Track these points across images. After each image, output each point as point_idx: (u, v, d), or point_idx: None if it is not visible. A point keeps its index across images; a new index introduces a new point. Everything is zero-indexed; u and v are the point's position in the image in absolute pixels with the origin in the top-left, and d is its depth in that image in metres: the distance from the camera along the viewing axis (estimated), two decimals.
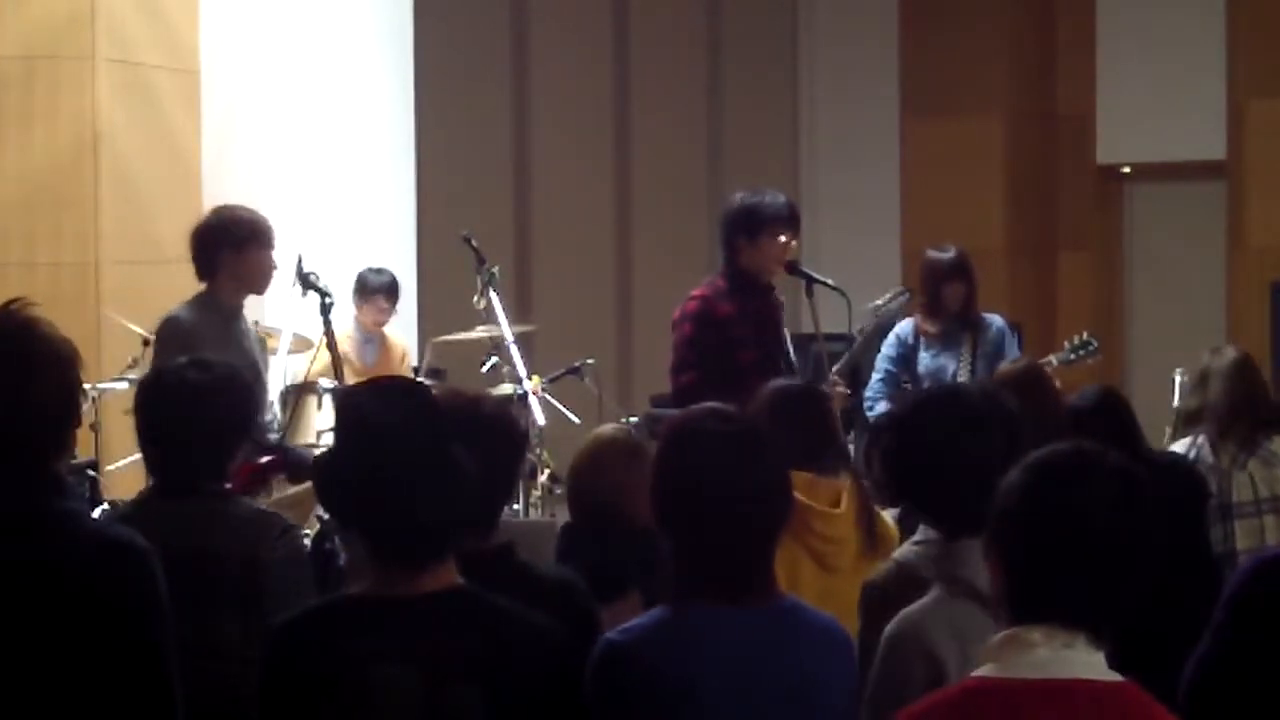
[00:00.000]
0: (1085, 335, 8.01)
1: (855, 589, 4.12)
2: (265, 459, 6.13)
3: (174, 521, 3.84)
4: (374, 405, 3.07)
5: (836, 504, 4.77)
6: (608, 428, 5.05)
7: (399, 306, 9.26)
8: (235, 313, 6.37)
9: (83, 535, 3.05)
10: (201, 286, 6.34)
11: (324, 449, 6.95)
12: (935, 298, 7.54)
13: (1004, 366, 6.02)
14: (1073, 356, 7.87)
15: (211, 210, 6.53)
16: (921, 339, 7.61)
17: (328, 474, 3.13)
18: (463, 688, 2.98)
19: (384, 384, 3.21)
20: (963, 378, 7.38)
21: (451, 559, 3.07)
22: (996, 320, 7.75)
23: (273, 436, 6.43)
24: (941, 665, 3.23)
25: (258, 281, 6.39)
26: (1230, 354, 6.32)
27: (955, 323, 7.59)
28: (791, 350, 6.69)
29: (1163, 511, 2.51)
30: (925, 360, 7.59)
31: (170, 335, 6.13)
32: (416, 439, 3.02)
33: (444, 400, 3.39)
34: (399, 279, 9.19)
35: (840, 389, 6.67)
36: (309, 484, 6.56)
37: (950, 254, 7.62)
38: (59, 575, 3.01)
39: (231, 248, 6.27)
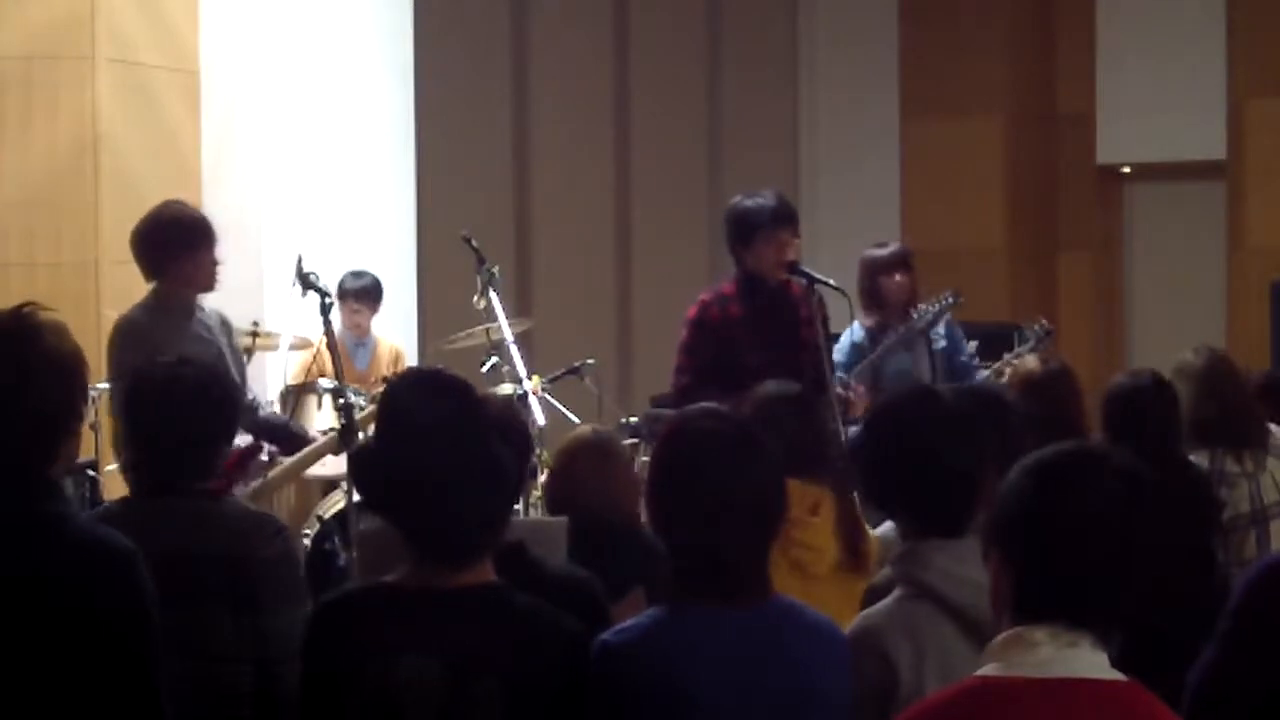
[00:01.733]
0: (1043, 321, 7.99)
1: (835, 597, 4.14)
2: (243, 446, 6.10)
3: (161, 520, 3.83)
4: (419, 400, 3.07)
5: (815, 511, 4.78)
6: (583, 429, 5.04)
7: (398, 308, 9.25)
8: (188, 311, 6.27)
9: (68, 539, 3.04)
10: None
11: (363, 441, 6.98)
12: (874, 291, 7.44)
13: (1030, 364, 5.91)
14: (1040, 348, 7.80)
15: (154, 210, 6.37)
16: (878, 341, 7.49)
17: (369, 466, 3.13)
18: (486, 683, 3.00)
19: (428, 379, 3.21)
20: (926, 375, 7.34)
21: (489, 556, 3.08)
22: (926, 312, 7.56)
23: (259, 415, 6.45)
24: (894, 667, 3.27)
25: (209, 282, 6.29)
26: (1211, 353, 6.03)
27: (900, 319, 7.49)
28: (824, 348, 6.61)
29: (1172, 512, 2.51)
30: (889, 361, 7.48)
31: (129, 336, 6.06)
32: (462, 435, 3.03)
33: None
34: (395, 284, 9.17)
35: (858, 394, 6.69)
36: (279, 470, 6.60)
37: (891, 246, 7.60)
38: (43, 578, 3.00)
39: (185, 248, 6.19)
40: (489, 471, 3.04)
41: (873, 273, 7.50)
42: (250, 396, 6.56)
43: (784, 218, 6.63)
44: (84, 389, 3.13)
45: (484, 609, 3.05)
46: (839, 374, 6.81)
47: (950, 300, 7.37)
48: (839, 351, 7.38)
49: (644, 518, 4.16)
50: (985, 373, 7.78)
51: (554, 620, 3.10)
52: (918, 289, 7.55)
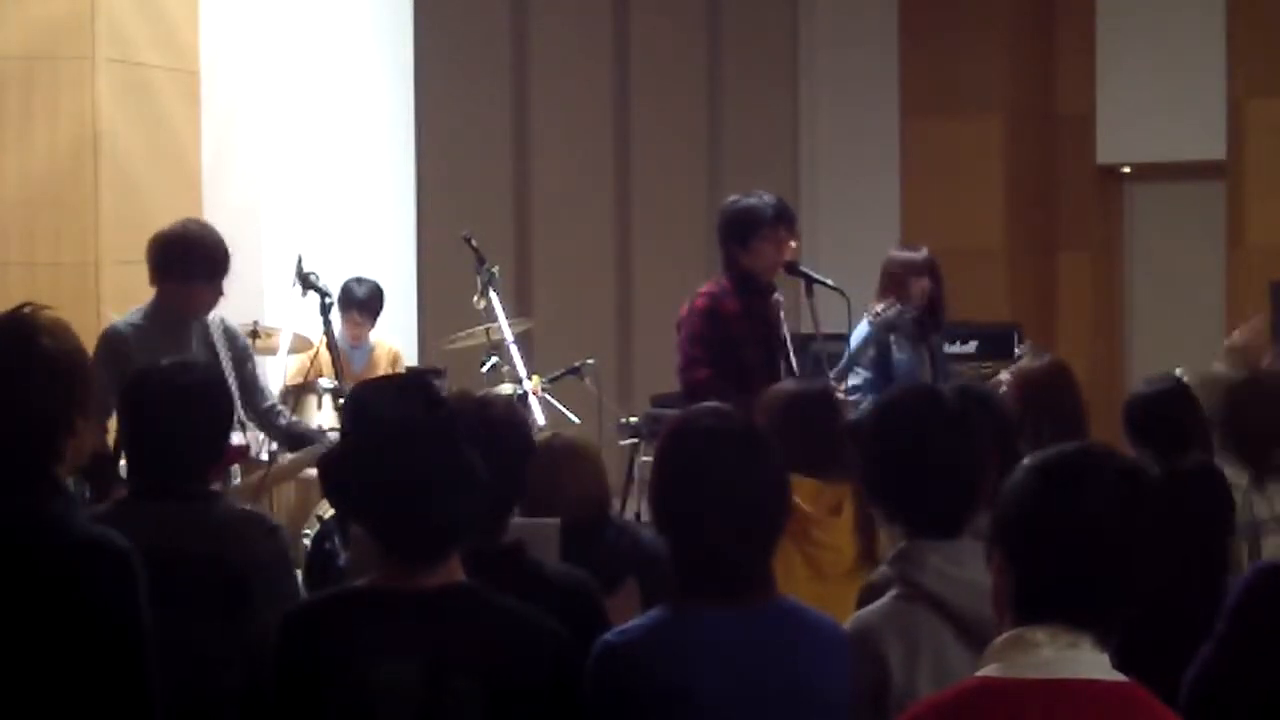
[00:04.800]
0: (1028, 343, 8.01)
1: (849, 596, 4.13)
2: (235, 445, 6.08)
3: (155, 522, 3.83)
4: (384, 401, 3.07)
5: (838, 511, 4.77)
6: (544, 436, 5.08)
7: (398, 308, 9.24)
8: (182, 321, 6.21)
9: (63, 537, 3.04)
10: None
11: (331, 446, 6.97)
12: (903, 291, 7.45)
13: (1024, 363, 5.91)
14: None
15: (179, 224, 6.36)
16: (892, 339, 7.51)
17: (337, 469, 3.14)
18: (462, 684, 3.00)
19: (393, 381, 3.21)
20: (928, 376, 7.35)
21: (457, 556, 3.08)
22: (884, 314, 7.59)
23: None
24: (887, 666, 3.27)
25: (194, 312, 6.22)
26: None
27: (922, 323, 7.50)
28: (792, 353, 6.69)
29: (1183, 515, 2.50)
30: (899, 361, 7.50)
31: (103, 349, 6.01)
32: (427, 435, 3.03)
33: (454, 402, 3.39)
34: (395, 283, 9.16)
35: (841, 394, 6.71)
36: (278, 466, 6.59)
37: (921, 253, 7.57)
38: (36, 577, 3.00)
39: (177, 279, 6.14)
40: (456, 471, 3.03)
41: (905, 274, 7.47)
42: (269, 403, 6.53)
43: (784, 216, 6.63)
44: (84, 388, 3.13)
45: (460, 609, 3.05)
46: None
47: (900, 310, 7.35)
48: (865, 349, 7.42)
49: (644, 516, 4.16)
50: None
51: (531, 619, 3.09)
52: (942, 295, 7.57)
